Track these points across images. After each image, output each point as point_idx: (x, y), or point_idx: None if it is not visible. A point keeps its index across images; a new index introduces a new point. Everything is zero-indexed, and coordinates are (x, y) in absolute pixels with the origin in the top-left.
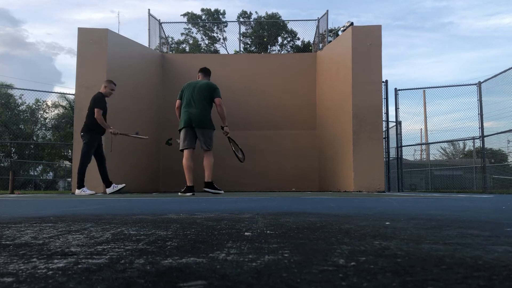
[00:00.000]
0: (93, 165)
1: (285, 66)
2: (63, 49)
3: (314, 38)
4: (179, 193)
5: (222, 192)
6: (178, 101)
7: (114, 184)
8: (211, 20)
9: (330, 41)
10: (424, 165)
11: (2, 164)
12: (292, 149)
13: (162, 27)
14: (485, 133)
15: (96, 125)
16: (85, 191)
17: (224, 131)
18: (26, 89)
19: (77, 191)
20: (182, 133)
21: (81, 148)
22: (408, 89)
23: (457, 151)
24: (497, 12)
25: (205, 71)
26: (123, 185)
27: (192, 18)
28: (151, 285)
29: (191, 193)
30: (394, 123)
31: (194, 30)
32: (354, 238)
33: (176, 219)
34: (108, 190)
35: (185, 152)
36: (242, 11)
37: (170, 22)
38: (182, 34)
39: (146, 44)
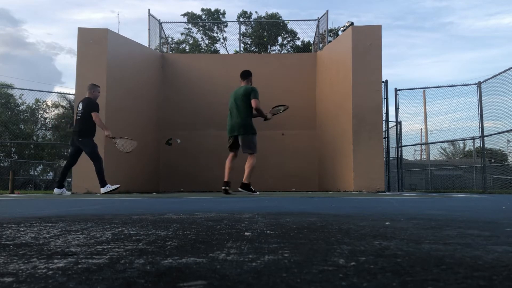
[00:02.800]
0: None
1: (285, 66)
2: (63, 49)
3: (314, 38)
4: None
5: (258, 193)
6: None
7: (64, 189)
8: (211, 20)
9: (330, 41)
10: (424, 165)
11: (2, 164)
12: (292, 149)
13: (162, 27)
14: (485, 133)
15: (93, 128)
16: (110, 187)
17: (268, 118)
18: (26, 89)
19: (102, 190)
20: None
21: (89, 154)
22: (408, 89)
23: (457, 151)
24: (497, 12)
25: (243, 75)
26: (118, 186)
27: (192, 18)
28: (151, 285)
29: (223, 188)
30: (394, 123)
31: (194, 30)
32: (354, 238)
33: (176, 219)
34: (56, 191)
35: (230, 154)
36: (242, 11)
37: (170, 22)
38: (182, 34)
39: (146, 44)
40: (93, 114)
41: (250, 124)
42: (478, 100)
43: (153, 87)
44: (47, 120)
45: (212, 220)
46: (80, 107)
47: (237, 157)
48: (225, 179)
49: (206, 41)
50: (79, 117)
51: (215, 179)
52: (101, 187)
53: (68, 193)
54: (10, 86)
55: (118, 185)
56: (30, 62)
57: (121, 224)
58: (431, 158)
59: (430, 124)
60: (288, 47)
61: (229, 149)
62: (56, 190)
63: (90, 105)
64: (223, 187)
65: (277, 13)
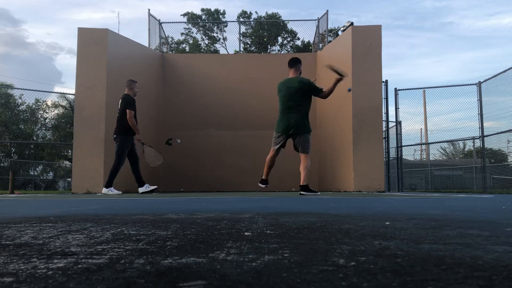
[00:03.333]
0: (93, 166)
1: (285, 66)
2: (63, 49)
3: (314, 38)
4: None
5: (319, 193)
6: None
7: (147, 184)
8: (211, 20)
9: (330, 41)
10: (424, 165)
11: (2, 164)
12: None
13: (162, 27)
14: (485, 133)
15: (129, 127)
16: (113, 190)
17: (339, 78)
18: (26, 89)
19: (104, 190)
20: (276, 135)
21: (116, 150)
22: (408, 89)
23: (457, 151)
24: (497, 12)
25: (292, 63)
26: (155, 186)
27: (192, 18)
28: (151, 285)
29: (263, 186)
30: (394, 123)
31: (194, 30)
32: (354, 238)
33: (176, 219)
34: (141, 189)
35: (272, 150)
36: (242, 11)
37: (170, 22)
38: (182, 34)
39: (146, 44)
40: (128, 112)
41: (308, 122)
42: (478, 100)
43: (153, 87)
44: (47, 120)
45: (212, 220)
46: (119, 104)
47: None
48: (264, 177)
49: (206, 41)
50: (118, 114)
51: (215, 179)
52: (105, 187)
53: (116, 192)
54: (10, 86)
55: (121, 192)
56: (30, 62)
57: (121, 224)
58: (431, 158)
59: (430, 124)
60: (288, 47)
61: (275, 149)
62: (104, 190)
63: (127, 102)
64: (263, 185)
65: (277, 13)
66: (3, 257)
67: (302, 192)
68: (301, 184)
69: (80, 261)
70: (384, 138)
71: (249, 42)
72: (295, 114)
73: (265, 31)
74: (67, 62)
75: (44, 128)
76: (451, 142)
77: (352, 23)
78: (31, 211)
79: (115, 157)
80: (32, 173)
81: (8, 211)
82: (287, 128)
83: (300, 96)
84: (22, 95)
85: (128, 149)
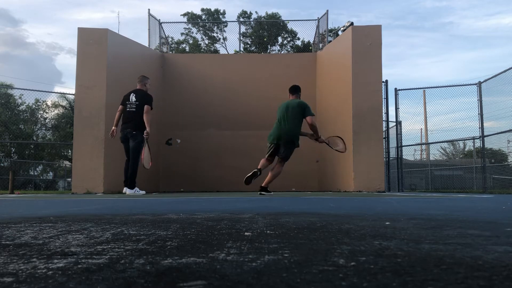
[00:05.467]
0: (93, 166)
1: (285, 66)
2: (63, 49)
3: (314, 38)
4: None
5: (272, 193)
6: None
7: (136, 189)
8: (211, 20)
9: (330, 41)
10: (424, 165)
11: (2, 164)
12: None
13: (162, 27)
14: (485, 133)
15: (144, 122)
16: (138, 191)
17: (320, 141)
18: (26, 89)
19: (129, 191)
20: (269, 146)
21: (133, 147)
22: (408, 89)
23: (457, 151)
24: (497, 12)
25: (293, 90)
26: (144, 192)
27: (192, 18)
28: (151, 285)
29: (254, 171)
30: (394, 123)
31: (194, 30)
32: (354, 238)
33: (176, 219)
34: (129, 191)
35: (263, 159)
36: (242, 11)
37: (170, 22)
38: (182, 34)
39: (146, 44)
40: (146, 107)
41: (298, 136)
42: (478, 100)
43: (153, 87)
44: (47, 120)
45: (212, 220)
46: (134, 98)
47: (267, 167)
48: (259, 167)
49: (206, 41)
50: (133, 109)
51: (215, 179)
52: (129, 188)
53: (142, 192)
54: (10, 86)
55: (144, 192)
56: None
57: (121, 224)
58: (431, 158)
59: (430, 124)
60: (288, 47)
61: (267, 156)
62: (128, 191)
63: (146, 97)
64: (255, 171)
65: (277, 13)
66: (3, 257)
67: (260, 192)
68: (262, 185)
69: (80, 261)
70: (384, 138)
71: (249, 42)
72: (288, 126)
73: (265, 31)
74: (67, 62)
75: (44, 128)
76: (451, 142)
77: (352, 23)
78: (31, 211)
79: (132, 155)
80: (32, 173)
81: (8, 211)
82: (278, 137)
83: (298, 112)
84: (22, 95)
85: (143, 145)
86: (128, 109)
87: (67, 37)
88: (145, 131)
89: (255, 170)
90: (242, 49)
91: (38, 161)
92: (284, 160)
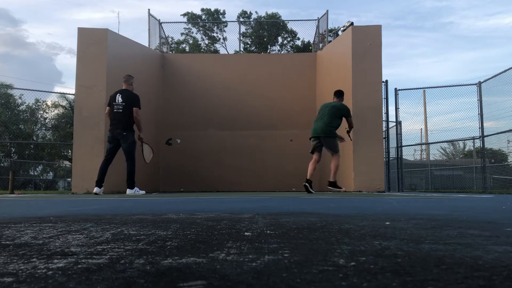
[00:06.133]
0: (93, 166)
1: (285, 66)
2: (63, 49)
3: (314, 38)
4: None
5: (344, 189)
6: None
7: (98, 188)
8: (211, 20)
9: (330, 41)
10: (424, 165)
11: (2, 164)
12: (292, 149)
13: (162, 27)
14: (485, 133)
15: (133, 123)
16: (138, 191)
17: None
18: (26, 89)
19: (129, 191)
20: (311, 142)
21: (126, 149)
22: (408, 89)
23: (457, 151)
24: (497, 12)
25: (337, 94)
26: (144, 192)
27: (192, 18)
28: (151, 285)
29: (304, 184)
30: (394, 123)
31: (194, 30)
32: (354, 238)
33: (176, 219)
34: (97, 190)
35: (310, 162)
36: (242, 11)
37: (170, 22)
38: (182, 34)
39: (146, 44)
40: (135, 109)
41: (333, 130)
42: (478, 100)
43: (153, 87)
44: (47, 120)
45: (212, 220)
46: (120, 99)
47: (319, 162)
48: (307, 177)
49: (206, 41)
50: (120, 109)
51: (215, 179)
52: (129, 188)
53: (142, 192)
54: (10, 86)
55: (144, 192)
56: (30, 62)
57: (121, 224)
58: (431, 158)
59: (430, 124)
60: (288, 47)
61: (311, 152)
62: (128, 191)
63: (133, 97)
64: (304, 184)
65: (277, 13)
66: (3, 257)
67: (328, 187)
68: (329, 180)
69: (80, 261)
70: (384, 138)
71: (249, 42)
72: (323, 122)
73: (265, 31)
74: (67, 62)
75: (44, 128)
76: (451, 142)
77: (352, 23)
78: (31, 211)
79: (127, 156)
80: (32, 173)
81: (8, 211)
82: (314, 131)
83: (336, 111)
84: (22, 95)
85: (136, 145)
86: (115, 110)
87: (67, 37)
88: (139, 135)
89: (305, 184)
90: (242, 49)
91: (38, 161)
92: (333, 151)
